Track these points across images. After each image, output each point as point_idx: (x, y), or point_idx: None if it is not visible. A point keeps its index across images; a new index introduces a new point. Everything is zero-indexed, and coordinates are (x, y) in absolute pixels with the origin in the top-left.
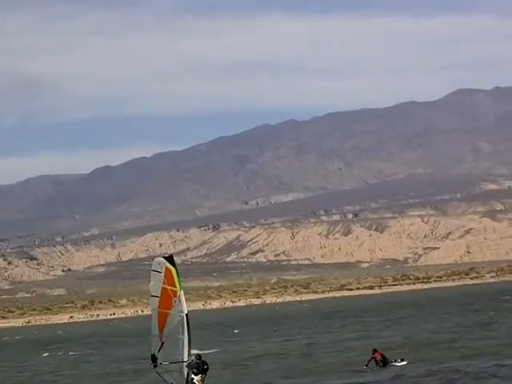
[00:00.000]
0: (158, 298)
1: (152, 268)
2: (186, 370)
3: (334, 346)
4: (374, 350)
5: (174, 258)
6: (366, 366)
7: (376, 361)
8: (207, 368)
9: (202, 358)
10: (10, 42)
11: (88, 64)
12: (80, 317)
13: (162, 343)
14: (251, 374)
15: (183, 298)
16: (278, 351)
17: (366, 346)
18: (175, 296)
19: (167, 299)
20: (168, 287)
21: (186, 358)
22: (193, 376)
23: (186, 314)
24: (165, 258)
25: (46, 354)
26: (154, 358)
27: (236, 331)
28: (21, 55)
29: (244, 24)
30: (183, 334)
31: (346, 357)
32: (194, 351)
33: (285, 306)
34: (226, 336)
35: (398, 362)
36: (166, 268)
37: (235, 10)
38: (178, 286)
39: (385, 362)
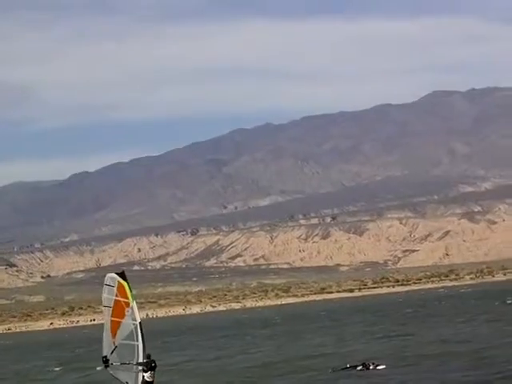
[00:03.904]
0: (110, 308)
1: (105, 282)
2: (139, 370)
3: None
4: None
5: (154, 263)
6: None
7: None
8: (155, 365)
9: (151, 358)
10: None
11: (64, 72)
12: (60, 323)
13: (115, 347)
14: None
15: (136, 309)
16: None
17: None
18: (128, 307)
19: (119, 309)
20: (121, 299)
21: (141, 360)
22: (143, 374)
23: (140, 323)
24: (117, 273)
25: None
26: (105, 360)
27: None
28: None
29: (219, 29)
30: (137, 340)
31: None
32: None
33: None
34: None
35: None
36: (119, 282)
37: (210, 16)
38: (130, 298)
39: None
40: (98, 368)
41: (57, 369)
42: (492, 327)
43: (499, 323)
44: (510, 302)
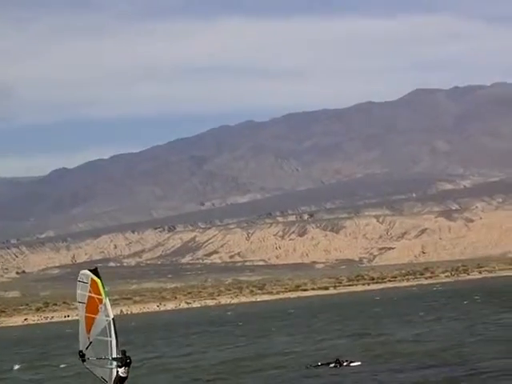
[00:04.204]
0: (84, 305)
1: (78, 279)
2: (113, 365)
3: None
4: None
5: (129, 260)
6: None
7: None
8: (130, 362)
9: (127, 354)
10: None
11: (44, 68)
12: (34, 319)
13: (90, 342)
14: None
15: (108, 305)
16: None
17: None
18: (101, 303)
19: (93, 306)
20: (94, 295)
21: (115, 355)
22: (118, 369)
23: (113, 319)
24: (90, 270)
25: None
26: (82, 355)
27: None
28: None
29: (200, 27)
30: (110, 335)
31: None
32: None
33: None
34: None
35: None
36: (92, 279)
37: (191, 13)
38: (103, 294)
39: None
40: (62, 365)
41: (18, 366)
42: (461, 325)
43: (468, 321)
44: (478, 300)
